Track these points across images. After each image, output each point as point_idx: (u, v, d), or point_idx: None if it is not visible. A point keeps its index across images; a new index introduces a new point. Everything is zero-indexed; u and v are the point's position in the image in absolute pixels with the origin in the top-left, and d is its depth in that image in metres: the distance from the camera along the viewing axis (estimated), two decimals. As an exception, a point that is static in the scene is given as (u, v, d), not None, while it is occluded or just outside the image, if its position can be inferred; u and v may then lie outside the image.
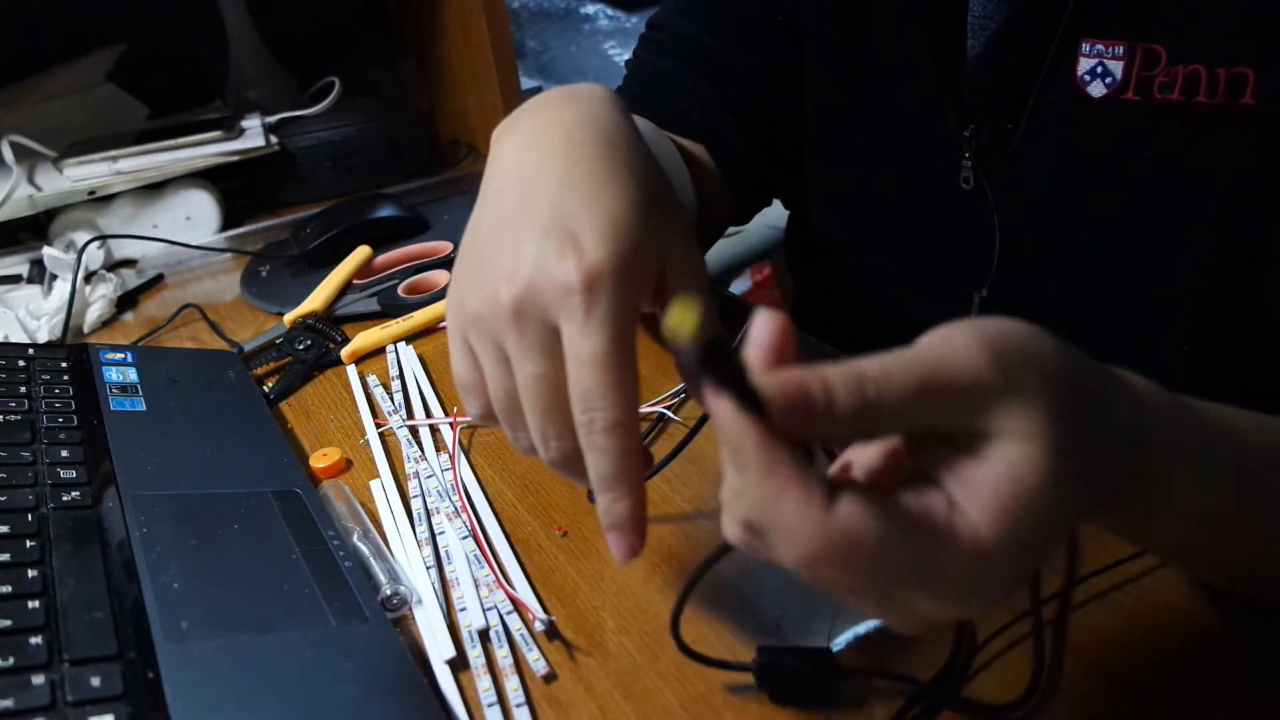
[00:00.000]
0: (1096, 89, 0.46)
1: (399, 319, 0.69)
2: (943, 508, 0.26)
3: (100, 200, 0.88)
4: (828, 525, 0.25)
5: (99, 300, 0.78)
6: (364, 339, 0.67)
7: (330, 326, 0.70)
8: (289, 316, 0.72)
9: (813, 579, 0.27)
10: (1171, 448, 0.31)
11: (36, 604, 0.39)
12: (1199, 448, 0.33)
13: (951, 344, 0.27)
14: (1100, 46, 0.46)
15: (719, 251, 1.29)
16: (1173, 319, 0.48)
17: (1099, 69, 0.46)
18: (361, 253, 0.79)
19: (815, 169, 0.64)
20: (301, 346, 0.68)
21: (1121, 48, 0.45)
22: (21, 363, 0.60)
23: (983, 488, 0.26)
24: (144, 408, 0.57)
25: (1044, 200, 0.51)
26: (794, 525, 0.25)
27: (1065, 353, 0.28)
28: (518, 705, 0.39)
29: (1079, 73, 0.47)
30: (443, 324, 0.70)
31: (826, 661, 0.38)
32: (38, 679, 0.35)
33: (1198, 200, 0.45)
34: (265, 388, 0.65)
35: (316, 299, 0.73)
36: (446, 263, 0.78)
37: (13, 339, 0.74)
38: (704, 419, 0.51)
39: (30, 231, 0.89)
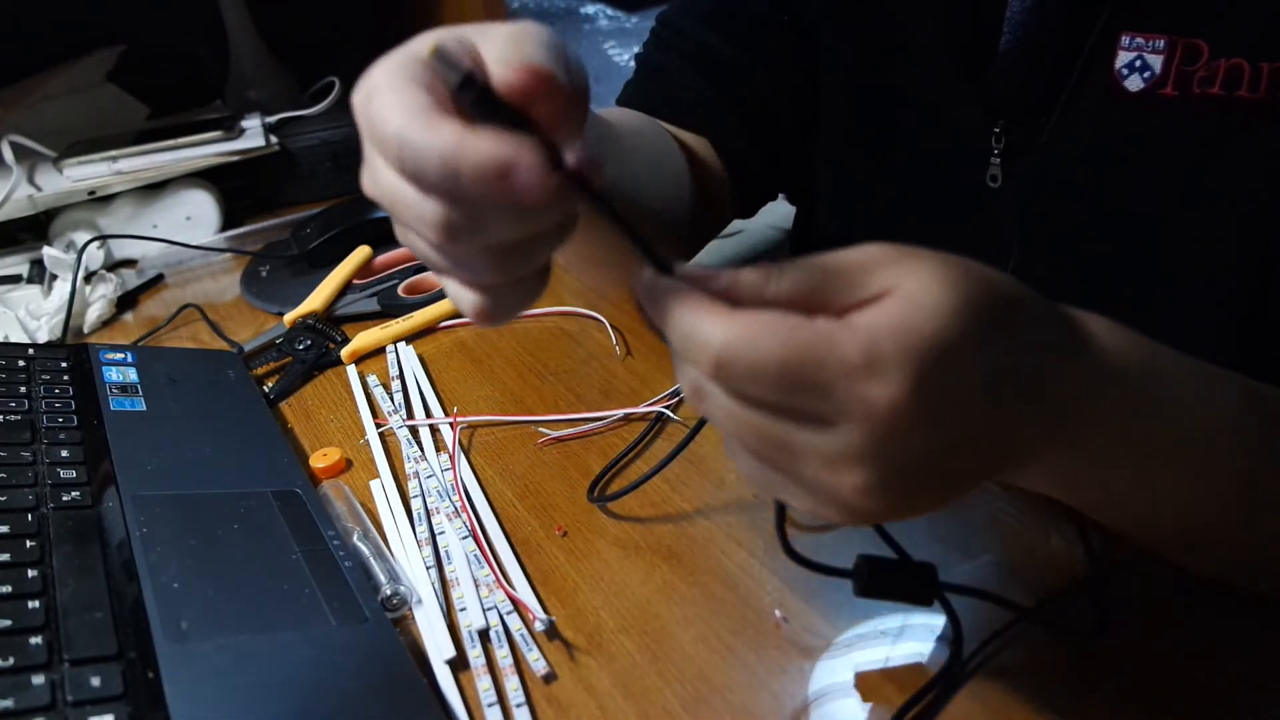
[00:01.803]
0: (1134, 83, 0.45)
1: (399, 319, 0.69)
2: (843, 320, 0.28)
3: (100, 200, 0.88)
4: (733, 316, 0.27)
5: (99, 300, 0.78)
6: (364, 339, 0.67)
7: (330, 326, 0.70)
8: (289, 316, 0.72)
9: (729, 405, 0.28)
10: (1118, 381, 0.31)
11: (36, 604, 0.39)
12: (1148, 388, 0.33)
13: (854, 247, 0.29)
14: (1140, 40, 0.45)
15: (719, 251, 1.29)
16: (1203, 320, 0.47)
17: (1138, 62, 0.45)
18: (361, 253, 0.79)
19: (827, 169, 0.64)
20: (301, 346, 0.68)
21: (1162, 41, 0.44)
22: (21, 363, 0.60)
23: (880, 306, 0.27)
24: (144, 408, 0.57)
25: (1073, 196, 0.50)
26: (703, 324, 0.27)
27: (984, 265, 0.29)
28: (518, 705, 0.39)
29: (1116, 66, 0.46)
30: (443, 324, 0.70)
31: (929, 575, 0.38)
32: (38, 679, 0.35)
33: (1233, 197, 0.44)
34: (265, 388, 0.65)
35: (316, 299, 0.73)
36: None
37: (13, 339, 0.74)
38: (704, 420, 0.51)
39: (30, 231, 0.89)
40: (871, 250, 0.29)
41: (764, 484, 0.31)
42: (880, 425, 0.26)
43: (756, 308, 0.28)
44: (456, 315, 0.70)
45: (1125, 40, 0.45)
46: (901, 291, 0.27)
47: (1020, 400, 0.29)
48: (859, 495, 0.28)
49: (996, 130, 0.52)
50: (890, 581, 0.38)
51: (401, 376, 0.64)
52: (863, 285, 0.28)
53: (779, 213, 1.39)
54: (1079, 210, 0.50)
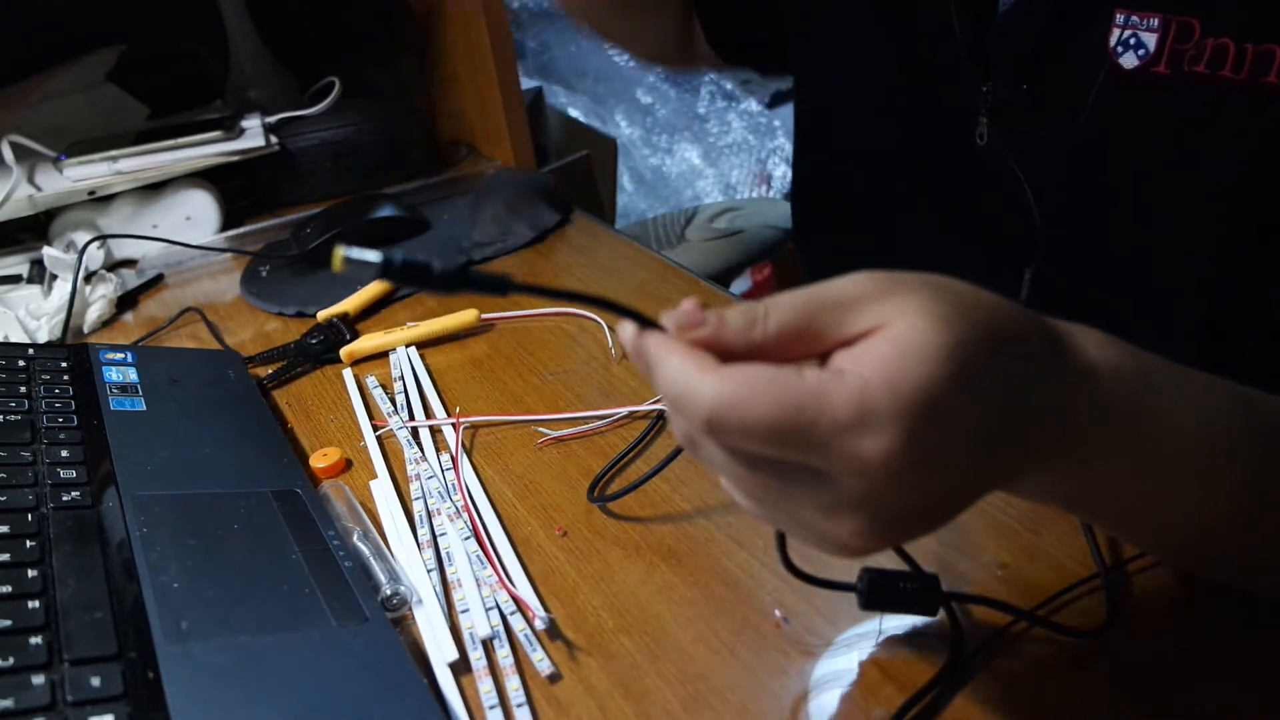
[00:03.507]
0: (1129, 60, 0.45)
1: (404, 327, 0.69)
2: (833, 369, 0.27)
3: (100, 200, 0.88)
4: (722, 375, 0.27)
5: (99, 300, 0.78)
6: (365, 342, 0.67)
7: (347, 328, 0.70)
8: (322, 314, 0.72)
9: (724, 458, 0.29)
10: (1112, 401, 0.31)
11: (36, 604, 0.39)
12: (1142, 403, 0.32)
13: (841, 278, 0.29)
14: (1135, 17, 0.45)
15: (720, 252, 1.29)
16: (1182, 300, 0.48)
17: (1132, 40, 0.45)
18: None
19: (855, 123, 0.66)
20: (314, 341, 0.68)
21: (1157, 19, 0.44)
22: (21, 363, 0.60)
23: (869, 350, 0.27)
24: (144, 408, 0.57)
25: (1059, 165, 0.51)
26: (692, 384, 0.27)
27: (974, 289, 0.29)
28: (518, 705, 0.39)
29: (1111, 43, 0.46)
30: (457, 334, 0.69)
31: (932, 585, 0.39)
32: (38, 679, 0.35)
33: (1217, 178, 0.45)
34: (267, 370, 0.66)
35: (351, 302, 0.73)
36: None
37: (13, 339, 0.74)
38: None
39: (30, 231, 0.89)
40: (859, 282, 0.28)
41: (762, 519, 0.32)
42: (875, 478, 0.26)
43: (744, 356, 0.28)
44: (468, 333, 0.70)
45: (1120, 17, 0.46)
46: (891, 332, 0.27)
47: (1012, 434, 0.29)
48: (857, 538, 0.28)
49: (985, 90, 0.52)
50: (894, 594, 0.39)
51: (403, 378, 0.64)
52: (851, 321, 0.28)
53: (778, 213, 1.40)
54: (1064, 178, 0.51)
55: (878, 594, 0.38)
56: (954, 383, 0.26)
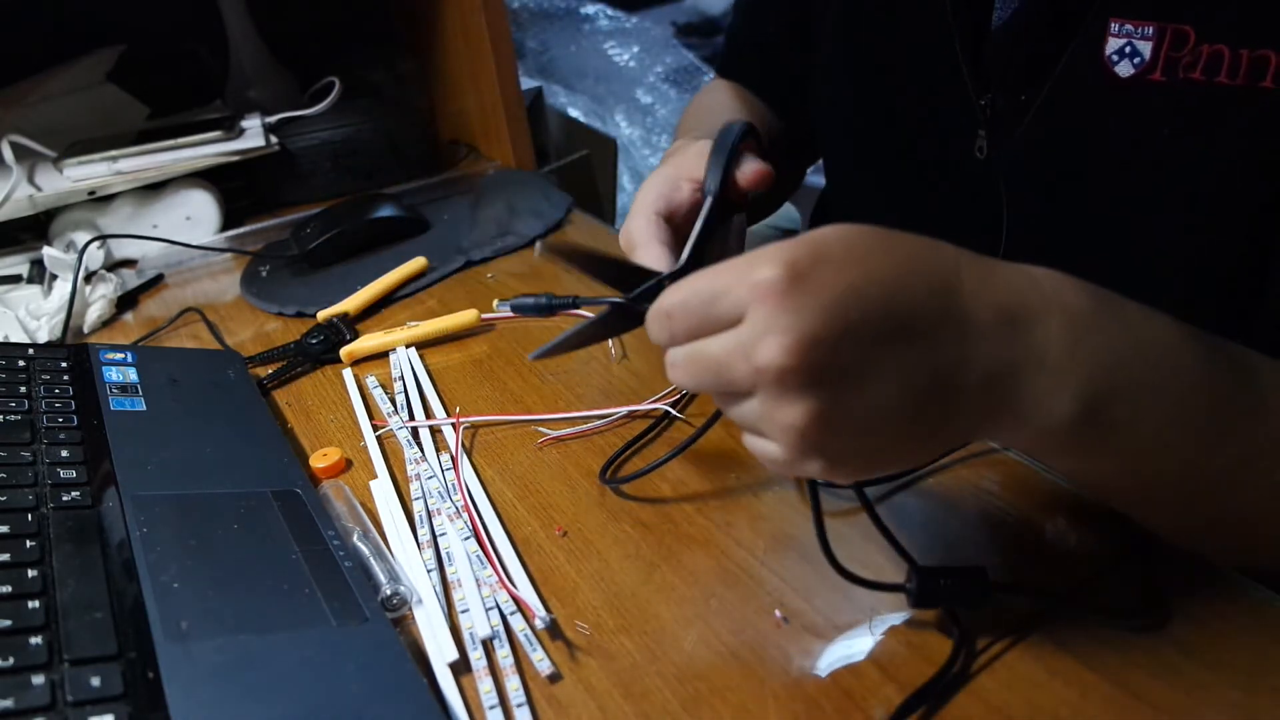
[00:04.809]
0: (1124, 69, 0.46)
1: (405, 327, 0.69)
2: None
3: (100, 200, 0.88)
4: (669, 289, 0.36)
5: (99, 300, 0.78)
6: (365, 342, 0.67)
7: (347, 328, 0.70)
8: (322, 314, 0.71)
9: (683, 354, 0.35)
10: (1054, 329, 0.34)
11: (36, 604, 0.39)
12: (1090, 334, 0.34)
13: None
14: (1130, 26, 0.45)
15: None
16: (1183, 301, 0.48)
17: (1127, 49, 0.45)
18: (415, 263, 0.78)
19: (825, 135, 0.67)
20: (314, 341, 0.68)
21: (1151, 28, 0.45)
22: (21, 363, 0.60)
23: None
24: (144, 407, 0.57)
25: (1059, 174, 0.51)
26: (655, 307, 0.36)
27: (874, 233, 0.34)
28: (518, 705, 0.39)
29: (1107, 52, 0.46)
30: (457, 335, 0.69)
31: (980, 577, 0.39)
32: (38, 679, 0.35)
33: (1212, 184, 0.45)
34: (267, 370, 0.66)
35: (352, 302, 0.73)
36: None
37: (13, 339, 0.74)
38: (712, 420, 0.51)
39: (30, 231, 0.89)
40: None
41: (736, 418, 0.36)
42: (767, 297, 0.32)
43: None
44: (468, 333, 0.70)
45: (1115, 26, 0.46)
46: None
47: (907, 322, 0.32)
48: (778, 360, 0.31)
49: (983, 103, 0.52)
50: (943, 590, 0.39)
51: (403, 378, 0.64)
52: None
53: (782, 213, 1.39)
54: (1063, 188, 0.51)
55: (927, 591, 0.39)
56: (844, 249, 0.33)
